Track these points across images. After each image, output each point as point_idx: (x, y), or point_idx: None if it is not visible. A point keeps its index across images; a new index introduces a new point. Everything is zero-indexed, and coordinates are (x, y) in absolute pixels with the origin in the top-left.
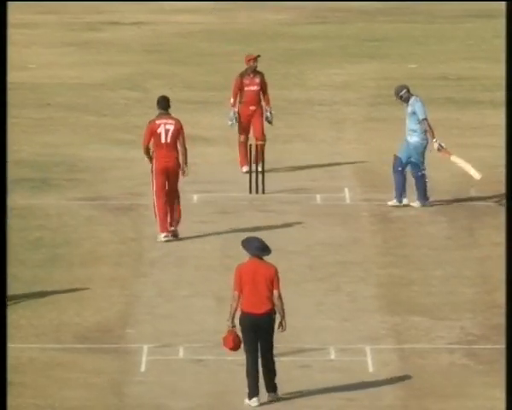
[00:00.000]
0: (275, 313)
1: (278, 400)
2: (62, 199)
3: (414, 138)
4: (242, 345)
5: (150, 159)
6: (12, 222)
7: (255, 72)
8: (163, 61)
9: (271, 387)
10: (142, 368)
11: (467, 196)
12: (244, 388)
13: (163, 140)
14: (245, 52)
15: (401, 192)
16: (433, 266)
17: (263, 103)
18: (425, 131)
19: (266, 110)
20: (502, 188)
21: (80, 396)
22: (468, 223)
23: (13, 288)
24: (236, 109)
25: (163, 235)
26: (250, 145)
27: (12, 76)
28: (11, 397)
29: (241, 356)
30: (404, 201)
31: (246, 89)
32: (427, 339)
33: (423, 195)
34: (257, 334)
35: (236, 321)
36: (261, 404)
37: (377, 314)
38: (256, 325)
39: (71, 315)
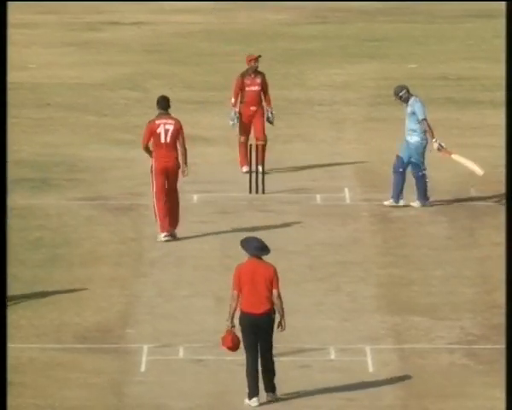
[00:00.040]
0: (274, 313)
1: (277, 400)
2: (62, 199)
3: (414, 138)
4: (242, 345)
5: (150, 153)
6: (12, 222)
7: (256, 72)
8: (163, 61)
9: (270, 387)
10: (142, 368)
11: (467, 196)
12: (244, 388)
13: (162, 140)
14: (245, 52)
15: (399, 193)
16: (433, 266)
17: (264, 104)
18: (424, 132)
19: (267, 110)
20: (502, 188)
21: (80, 396)
22: (468, 223)
23: (13, 288)
24: (237, 109)
25: (163, 235)
26: (250, 145)
27: (12, 76)
28: (11, 397)
29: (240, 356)
30: (401, 202)
31: (247, 89)
32: (427, 339)
33: (423, 195)
34: (256, 334)
35: (236, 321)
36: (261, 404)
37: (377, 314)
38: (255, 325)
39: (71, 315)
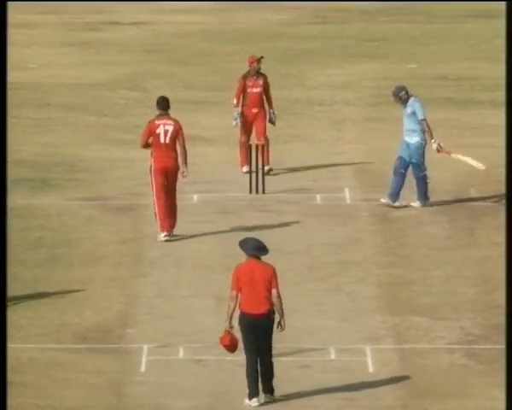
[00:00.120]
0: (274, 314)
1: (274, 401)
2: (62, 199)
3: (415, 139)
4: (241, 346)
5: (149, 146)
6: (12, 222)
7: (258, 73)
8: (163, 61)
9: (268, 389)
10: (142, 368)
11: (467, 196)
12: (244, 388)
13: (162, 140)
14: (245, 52)
15: (397, 193)
16: (433, 266)
17: (266, 105)
18: (423, 132)
19: (269, 112)
20: (502, 188)
21: (80, 396)
22: (468, 223)
23: (13, 288)
24: (240, 109)
25: (163, 235)
26: (250, 145)
27: (12, 76)
28: (11, 397)
29: (240, 356)
30: (397, 203)
31: (249, 90)
32: (427, 339)
33: (424, 195)
34: (256, 334)
35: (235, 322)
36: (261, 404)
37: (377, 314)
38: (255, 325)
39: (71, 315)
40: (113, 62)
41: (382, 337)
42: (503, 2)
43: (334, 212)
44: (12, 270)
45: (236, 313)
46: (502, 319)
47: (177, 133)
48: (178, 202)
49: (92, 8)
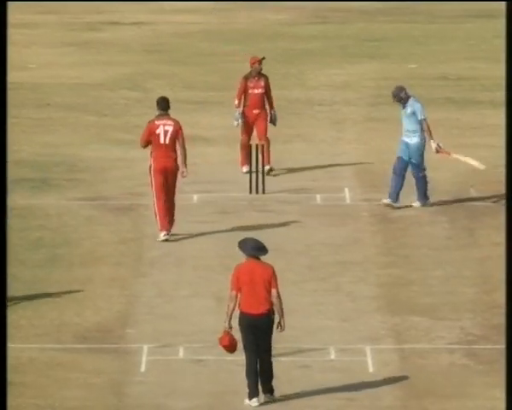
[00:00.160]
0: (273, 314)
1: (274, 401)
2: (62, 199)
3: (414, 139)
4: (241, 346)
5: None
6: (12, 222)
7: (260, 74)
8: (163, 61)
9: (267, 389)
10: (142, 368)
11: (467, 196)
12: (244, 388)
13: (162, 141)
14: (245, 52)
15: (398, 193)
16: (433, 266)
17: (267, 106)
18: (423, 132)
19: (270, 113)
20: (502, 188)
21: (80, 396)
22: (468, 223)
23: (13, 288)
24: (241, 109)
25: (163, 234)
26: (251, 145)
27: (12, 76)
28: (11, 397)
29: (240, 356)
30: (397, 203)
31: (250, 91)
32: (427, 339)
33: (424, 195)
34: (255, 334)
35: (234, 321)
36: (261, 404)
37: (377, 314)
38: (254, 325)
39: (71, 315)
40: (113, 62)
41: (382, 337)
42: (503, 2)
43: (334, 212)
44: (12, 270)
45: (236, 314)
46: (502, 319)
47: (177, 134)
48: (178, 202)
49: (92, 8)
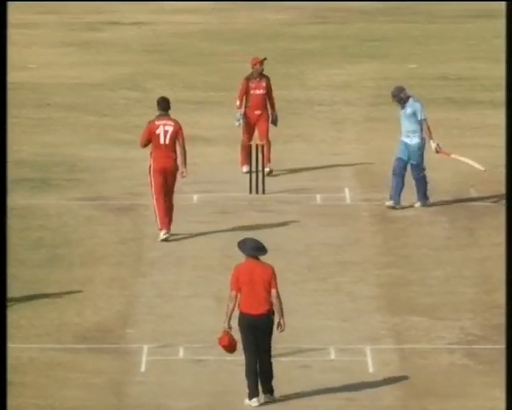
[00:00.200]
0: (273, 314)
1: (274, 401)
2: (62, 199)
3: (415, 140)
4: (240, 346)
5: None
6: (12, 222)
7: (261, 75)
8: (163, 61)
9: (267, 389)
10: (142, 368)
11: (467, 196)
12: (244, 388)
13: (162, 141)
14: (245, 52)
15: (400, 194)
16: (433, 266)
17: (268, 107)
18: (423, 132)
19: (272, 114)
20: (502, 188)
21: (80, 396)
22: (468, 223)
23: (13, 288)
24: (243, 110)
25: (163, 232)
26: (251, 145)
27: (12, 76)
28: (11, 397)
29: (240, 356)
30: (400, 205)
31: (252, 92)
32: (427, 339)
33: (424, 195)
34: (255, 335)
35: (234, 322)
36: (261, 404)
37: (377, 314)
38: (254, 326)
39: (71, 315)
40: (113, 62)
41: (382, 337)
42: (503, 2)
43: (334, 212)
44: (12, 270)
45: (236, 314)
46: (502, 319)
47: (177, 134)
48: (178, 202)
49: (92, 8)
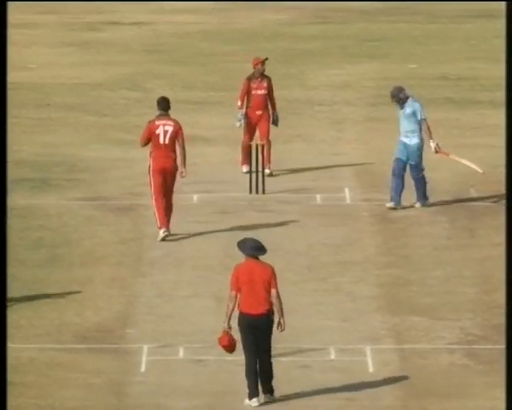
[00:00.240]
0: (273, 314)
1: (274, 401)
2: (62, 199)
3: (414, 140)
4: (240, 346)
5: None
6: (12, 222)
7: (263, 75)
8: (163, 61)
9: (267, 389)
10: (142, 368)
11: (467, 196)
12: (244, 388)
13: (161, 141)
14: (245, 52)
15: (400, 195)
16: (433, 266)
17: (269, 107)
18: (423, 132)
19: (273, 114)
20: (502, 188)
21: (80, 396)
22: (468, 223)
23: (13, 288)
24: (244, 110)
25: (162, 231)
26: (250, 145)
27: (12, 76)
28: (11, 397)
29: (240, 356)
30: (401, 206)
31: (253, 92)
32: (427, 339)
33: (423, 195)
34: (255, 335)
35: (234, 322)
36: (261, 404)
37: (377, 314)
38: (254, 325)
39: (71, 315)
40: (113, 62)
41: (382, 337)
42: (503, 2)
43: (334, 212)
44: (12, 270)
45: (236, 314)
46: (502, 319)
47: (177, 134)
48: (178, 202)
49: (92, 8)
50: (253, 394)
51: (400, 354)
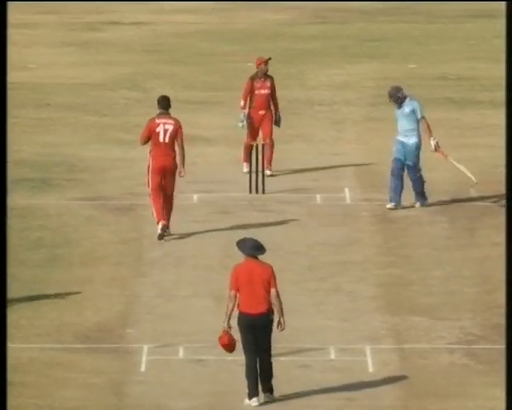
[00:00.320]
0: (272, 313)
1: (274, 401)
2: (62, 199)
3: (412, 140)
4: (240, 346)
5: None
6: (12, 222)
7: (266, 75)
8: (163, 61)
9: (267, 388)
10: (142, 368)
11: (466, 196)
12: (244, 388)
13: (161, 139)
14: (245, 52)
15: (400, 195)
16: (433, 266)
17: (272, 107)
18: (421, 131)
19: (275, 114)
20: (502, 188)
21: (80, 396)
22: (468, 223)
23: (13, 288)
24: (247, 111)
25: (161, 222)
26: (251, 145)
27: (12, 76)
28: (11, 397)
29: (240, 356)
30: (401, 206)
31: (256, 92)
32: (427, 339)
33: (422, 195)
34: (255, 334)
35: (234, 321)
36: (261, 404)
37: (377, 314)
38: (253, 325)
39: (71, 315)
40: (113, 62)
41: (382, 337)
42: (503, 2)
43: (334, 212)
44: (12, 270)
45: (235, 313)
46: (502, 319)
47: (177, 133)
48: (178, 202)
49: (92, 8)
50: (252, 393)
51: (400, 354)
